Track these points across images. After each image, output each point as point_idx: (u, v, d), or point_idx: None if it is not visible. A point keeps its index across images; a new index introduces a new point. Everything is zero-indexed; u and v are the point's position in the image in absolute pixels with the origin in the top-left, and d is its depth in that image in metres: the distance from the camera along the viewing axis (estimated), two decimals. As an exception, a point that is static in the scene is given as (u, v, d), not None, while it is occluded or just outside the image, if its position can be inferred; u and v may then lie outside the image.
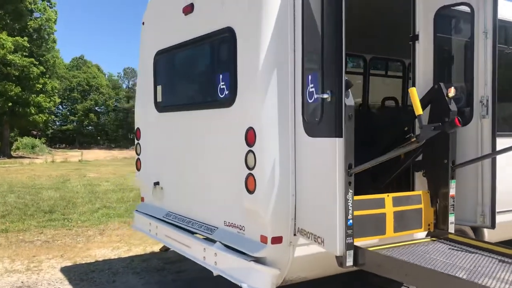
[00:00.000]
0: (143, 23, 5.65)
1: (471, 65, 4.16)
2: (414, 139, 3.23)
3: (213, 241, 4.24)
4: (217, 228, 4.31)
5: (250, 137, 3.72)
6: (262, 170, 3.63)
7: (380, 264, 3.29)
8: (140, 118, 5.68)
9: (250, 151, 3.72)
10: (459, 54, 4.61)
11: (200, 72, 4.89)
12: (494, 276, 3.10)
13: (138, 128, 5.71)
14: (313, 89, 3.45)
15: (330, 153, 3.18)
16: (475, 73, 4.14)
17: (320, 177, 3.33)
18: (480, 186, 4.12)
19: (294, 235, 3.70)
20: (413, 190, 4.37)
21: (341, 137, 3.13)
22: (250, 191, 3.73)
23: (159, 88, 5.35)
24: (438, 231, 4.12)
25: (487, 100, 4.05)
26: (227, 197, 4.17)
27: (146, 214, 5.52)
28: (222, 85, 4.20)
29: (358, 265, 3.38)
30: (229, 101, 4.08)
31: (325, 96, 3.21)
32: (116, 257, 6.87)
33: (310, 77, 3.50)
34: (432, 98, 4.16)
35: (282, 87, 3.64)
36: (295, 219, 3.68)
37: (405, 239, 3.99)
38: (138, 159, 5.71)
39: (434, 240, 4.05)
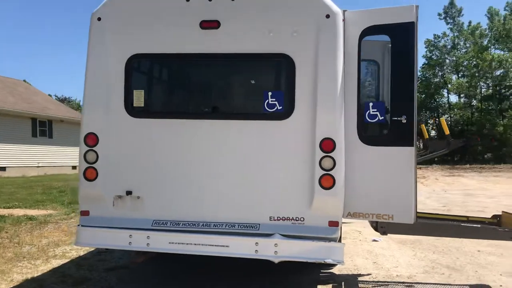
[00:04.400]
0: (98, 19, 5.17)
1: None
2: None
3: (254, 235, 4.87)
4: (259, 224, 4.94)
5: (327, 145, 4.77)
6: (340, 171, 4.78)
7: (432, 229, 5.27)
8: (97, 122, 5.11)
9: (327, 156, 4.77)
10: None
11: (229, 86, 5.20)
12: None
13: (92, 133, 5.11)
14: (376, 113, 4.96)
15: (407, 156, 4.83)
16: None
17: (390, 173, 4.89)
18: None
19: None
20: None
21: (413, 146, 4.85)
22: (326, 188, 4.76)
23: (137, 92, 5.14)
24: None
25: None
26: (279, 196, 4.91)
27: (109, 227, 5.10)
28: (273, 100, 4.94)
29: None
30: (283, 115, 4.90)
31: (401, 118, 4.84)
32: None
33: (371, 104, 4.99)
34: None
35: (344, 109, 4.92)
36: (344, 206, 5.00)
37: None
38: (91, 167, 5.11)
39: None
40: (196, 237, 4.95)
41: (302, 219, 4.89)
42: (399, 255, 7.27)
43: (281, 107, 4.93)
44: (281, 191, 4.93)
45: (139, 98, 5.15)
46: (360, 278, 6.09)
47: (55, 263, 6.68)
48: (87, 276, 6.05)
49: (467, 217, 6.09)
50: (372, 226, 5.39)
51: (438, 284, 5.86)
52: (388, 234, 5.40)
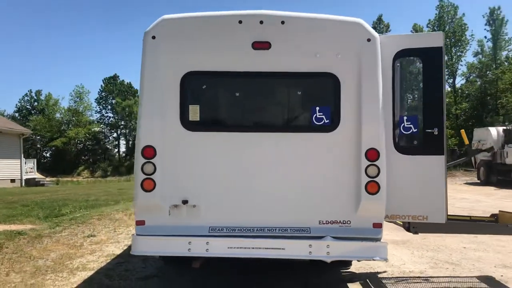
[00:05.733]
0: (153, 37, 5.44)
1: None
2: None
3: (306, 238, 5.35)
4: (310, 227, 5.42)
5: (372, 154, 5.33)
6: (383, 177, 5.35)
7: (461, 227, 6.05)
8: (154, 136, 5.36)
9: (372, 164, 5.33)
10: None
11: (280, 101, 5.65)
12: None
13: (149, 146, 5.35)
14: (410, 125, 5.62)
15: (439, 164, 5.52)
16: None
17: (424, 177, 5.54)
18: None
19: None
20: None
21: (444, 154, 5.55)
22: (372, 193, 5.31)
23: (193, 107, 5.46)
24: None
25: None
26: (328, 201, 5.41)
27: (166, 235, 5.35)
28: (320, 115, 5.45)
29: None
30: (330, 128, 5.42)
31: (433, 130, 5.52)
32: None
33: (405, 118, 5.64)
34: None
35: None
36: None
37: None
38: (149, 179, 5.34)
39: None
40: (254, 241, 5.32)
41: (349, 222, 5.42)
42: (400, 254, 7.98)
43: (328, 121, 5.44)
44: (329, 196, 5.42)
45: (194, 112, 5.46)
46: (379, 276, 6.70)
47: (83, 275, 6.74)
48: (124, 286, 6.20)
49: (470, 216, 6.89)
50: (404, 227, 6.00)
51: (449, 277, 6.61)
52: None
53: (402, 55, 5.67)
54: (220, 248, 5.32)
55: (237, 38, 5.43)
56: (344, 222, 5.42)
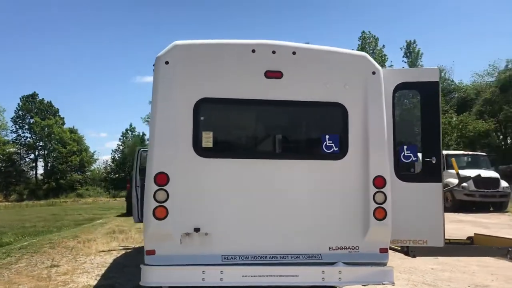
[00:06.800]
0: (166, 62, 5.37)
1: None
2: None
3: (318, 264, 5.45)
4: (321, 254, 5.52)
5: (379, 182, 5.58)
6: (389, 204, 5.61)
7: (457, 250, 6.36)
8: (167, 162, 5.24)
9: (379, 191, 5.57)
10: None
11: (291, 129, 5.71)
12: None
13: (162, 173, 5.22)
14: (410, 154, 5.93)
15: (437, 190, 5.86)
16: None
17: (423, 203, 5.85)
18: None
19: None
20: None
21: (441, 181, 5.90)
22: (380, 219, 5.54)
23: (206, 134, 5.41)
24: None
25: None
26: (337, 228, 5.55)
27: (177, 265, 5.21)
28: (330, 143, 5.63)
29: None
30: (339, 155, 5.62)
31: (432, 159, 5.87)
32: None
33: (405, 147, 5.95)
34: None
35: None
36: None
37: None
38: (162, 206, 5.20)
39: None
40: (268, 269, 5.32)
41: (357, 247, 5.59)
42: (377, 277, 8.24)
43: (337, 148, 5.63)
44: (339, 223, 5.58)
45: (208, 139, 5.43)
46: (369, 299, 6.89)
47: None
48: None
49: (449, 239, 7.32)
50: (402, 251, 6.26)
51: (433, 297, 6.95)
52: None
53: (402, 87, 6.03)
54: (235, 277, 5.26)
55: (250, 67, 5.51)
56: (353, 247, 5.58)
